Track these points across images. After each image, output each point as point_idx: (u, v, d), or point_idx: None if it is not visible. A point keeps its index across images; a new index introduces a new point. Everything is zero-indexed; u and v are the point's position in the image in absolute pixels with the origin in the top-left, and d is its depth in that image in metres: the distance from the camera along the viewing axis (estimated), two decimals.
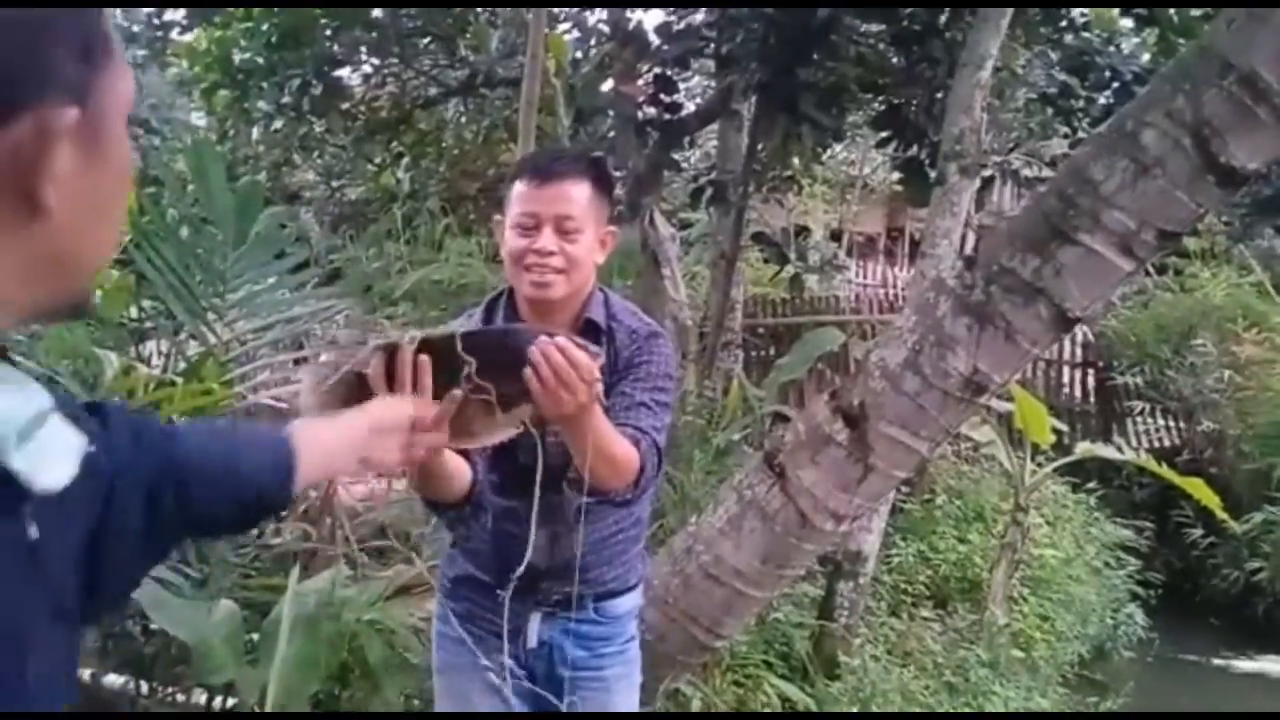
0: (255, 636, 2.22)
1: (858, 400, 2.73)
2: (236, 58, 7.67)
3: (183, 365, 3.44)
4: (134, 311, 3.77)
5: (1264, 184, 9.13)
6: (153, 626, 2.54)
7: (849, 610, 4.45)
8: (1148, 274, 10.33)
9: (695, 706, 3.47)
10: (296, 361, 3.95)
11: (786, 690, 3.83)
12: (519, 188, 1.89)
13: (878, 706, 3.88)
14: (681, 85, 6.75)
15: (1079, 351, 9.08)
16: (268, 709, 2.11)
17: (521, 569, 1.85)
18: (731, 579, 3.00)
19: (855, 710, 3.87)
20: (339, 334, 4.72)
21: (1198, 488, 5.38)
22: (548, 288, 1.85)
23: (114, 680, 2.66)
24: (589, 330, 1.87)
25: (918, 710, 4.08)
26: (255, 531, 3.03)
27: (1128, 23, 7.07)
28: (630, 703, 2.12)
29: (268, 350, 3.80)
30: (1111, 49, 7.42)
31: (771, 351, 9.18)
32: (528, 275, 1.86)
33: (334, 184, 9.65)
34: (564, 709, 1.98)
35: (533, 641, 2.00)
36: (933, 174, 5.47)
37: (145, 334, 3.58)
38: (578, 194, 1.86)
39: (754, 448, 5.55)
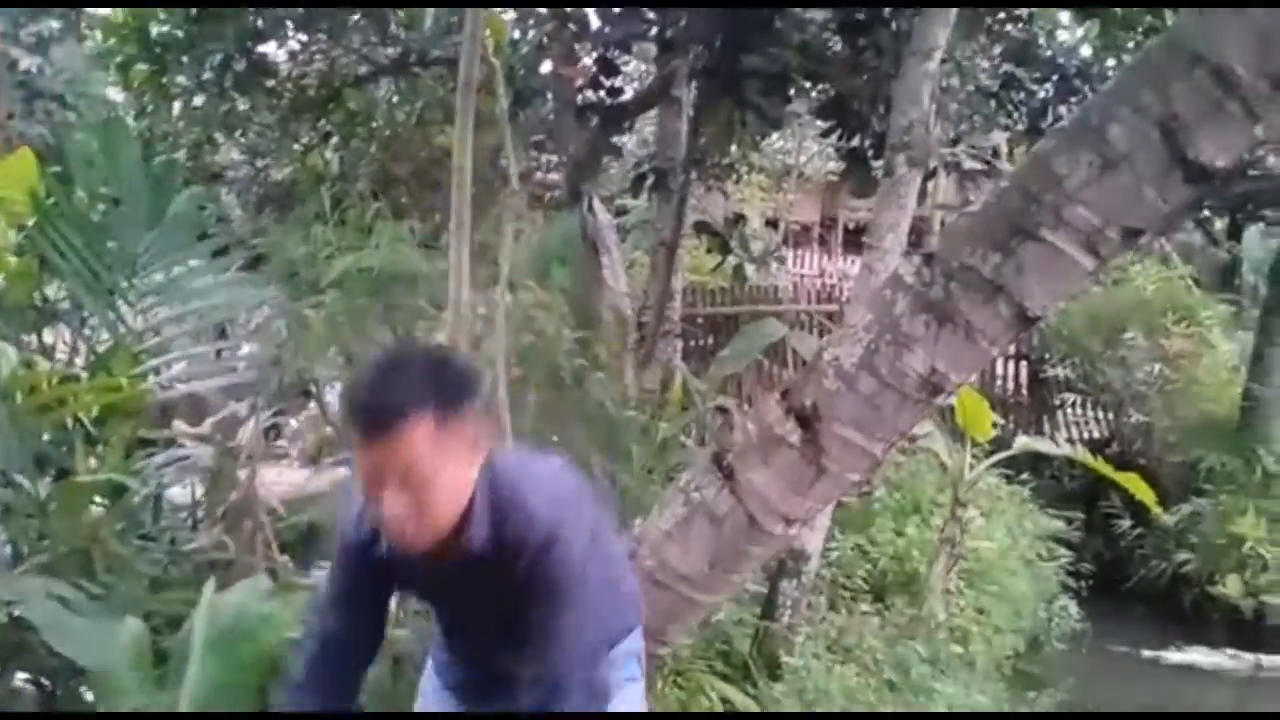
0: (165, 657, 2.04)
1: (810, 401, 2.62)
2: (155, 30, 7.32)
3: (91, 358, 3.22)
4: (37, 299, 3.52)
5: None
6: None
7: (791, 608, 4.38)
8: None
9: None
10: (218, 354, 3.74)
11: (728, 693, 3.75)
12: (352, 433, 1.61)
13: (821, 707, 3.82)
14: (621, 69, 6.58)
15: (1010, 346, 9.17)
16: None
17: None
18: (678, 584, 2.88)
19: (800, 711, 3.80)
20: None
21: (1132, 481, 5.45)
22: (410, 545, 1.64)
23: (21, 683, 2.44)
24: (469, 551, 1.68)
25: (861, 710, 4.02)
26: (168, 538, 2.84)
27: (1066, 16, 7.10)
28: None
29: (187, 340, 3.58)
30: (1054, 42, 7.46)
31: (710, 341, 9.11)
32: (386, 533, 1.64)
33: (258, 164, 9.28)
34: None
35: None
36: (877, 165, 5.42)
37: (48, 321, 3.34)
38: (416, 438, 1.55)
39: (696, 442, 5.46)
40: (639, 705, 2.05)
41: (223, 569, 2.36)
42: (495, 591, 1.73)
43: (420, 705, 2.02)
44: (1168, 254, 10.27)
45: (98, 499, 2.51)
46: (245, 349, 4.05)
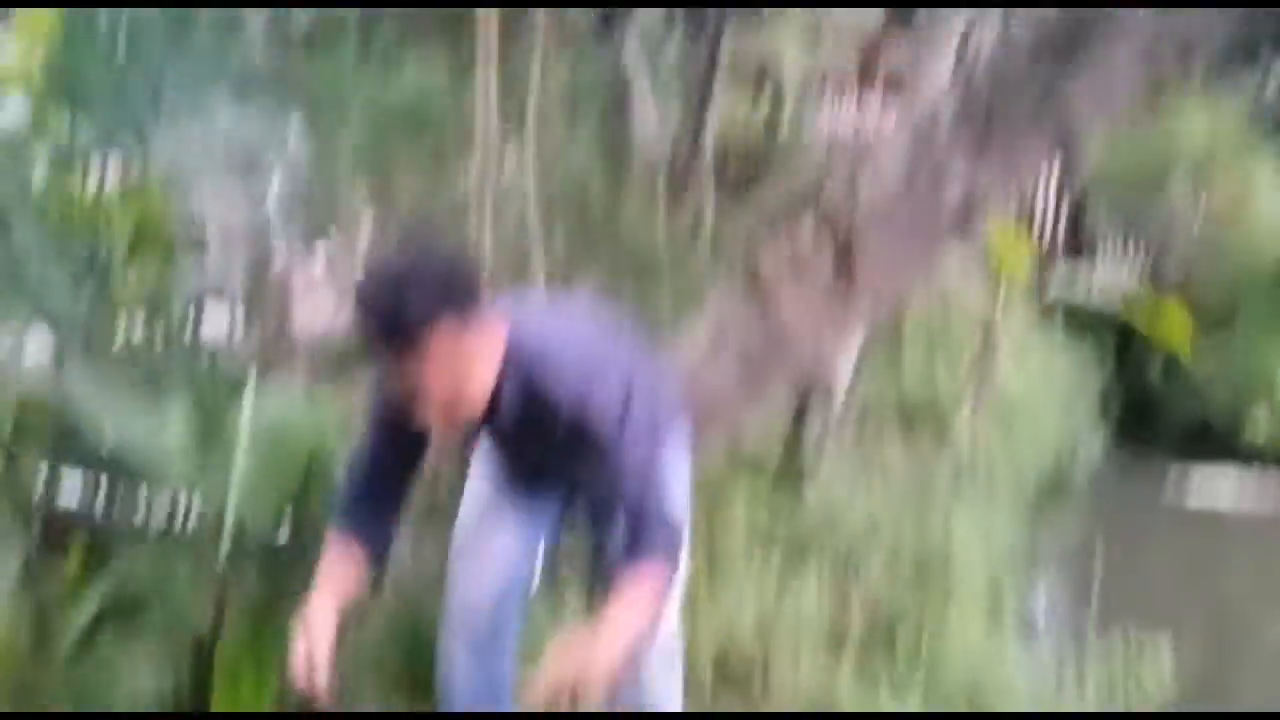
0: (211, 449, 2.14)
1: (844, 223, 2.62)
2: None
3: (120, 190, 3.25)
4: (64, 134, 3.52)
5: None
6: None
7: (819, 428, 4.50)
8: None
9: None
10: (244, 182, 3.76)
11: (755, 507, 3.88)
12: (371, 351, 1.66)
13: (842, 522, 3.95)
14: None
15: (1053, 184, 9.00)
16: (228, 521, 2.06)
17: None
18: (707, 401, 2.96)
19: (821, 526, 3.94)
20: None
21: (1163, 320, 5.42)
22: (439, 424, 1.72)
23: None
24: (504, 419, 1.75)
25: (882, 529, 4.13)
26: (208, 351, 2.95)
27: None
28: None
29: (213, 169, 3.60)
30: None
31: (743, 188, 9.01)
32: (417, 410, 1.68)
33: None
34: None
35: None
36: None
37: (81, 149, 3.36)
38: (438, 347, 1.59)
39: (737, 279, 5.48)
40: (685, 478, 2.08)
41: (260, 377, 2.44)
42: (538, 445, 1.82)
43: (471, 472, 2.11)
44: (1223, 98, 9.87)
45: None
46: (274, 182, 4.07)
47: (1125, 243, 8.74)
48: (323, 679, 1.68)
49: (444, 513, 2.23)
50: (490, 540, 2.04)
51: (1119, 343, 8.10)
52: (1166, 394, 7.92)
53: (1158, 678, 2.97)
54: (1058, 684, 3.04)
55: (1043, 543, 5.70)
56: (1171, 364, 7.71)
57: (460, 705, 2.06)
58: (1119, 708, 3.12)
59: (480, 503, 2.07)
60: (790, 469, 4.36)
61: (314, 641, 1.68)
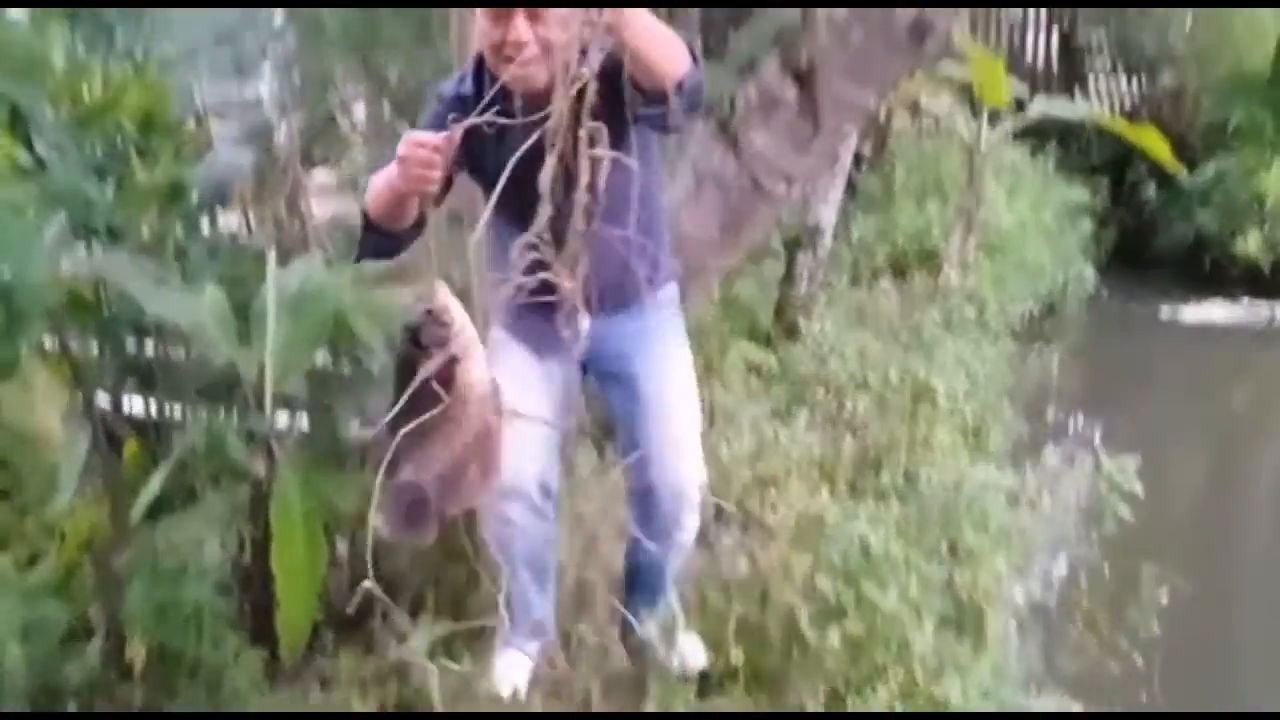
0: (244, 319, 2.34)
1: (804, 57, 2.74)
2: None
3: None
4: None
5: None
6: (144, 332, 2.68)
7: (808, 280, 4.67)
8: None
9: None
10: (235, 71, 3.85)
11: (749, 352, 4.09)
12: None
13: (834, 364, 4.15)
14: None
15: (1043, 14, 8.86)
16: (268, 384, 2.28)
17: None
18: (691, 248, 3.13)
19: (814, 370, 4.14)
20: None
21: (1149, 136, 5.47)
22: (529, 79, 1.79)
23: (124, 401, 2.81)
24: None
25: (872, 368, 4.33)
26: (226, 236, 3.13)
27: None
28: (685, 359, 2.30)
29: (205, 58, 3.69)
30: None
31: (732, 30, 8.90)
32: (507, 65, 1.78)
33: None
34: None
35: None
36: None
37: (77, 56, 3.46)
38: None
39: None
40: (684, 341, 2.29)
41: (280, 255, 2.62)
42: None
43: (495, 339, 2.14)
44: None
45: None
46: (267, 68, 4.14)
47: (1116, 66, 8.65)
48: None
49: None
50: (528, 406, 2.16)
51: (1113, 173, 8.14)
52: (1160, 219, 7.97)
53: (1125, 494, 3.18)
54: (1024, 502, 3.26)
55: (1033, 370, 5.93)
56: (1167, 189, 7.75)
57: (520, 560, 2.23)
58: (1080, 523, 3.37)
59: (511, 371, 2.09)
60: (783, 314, 4.55)
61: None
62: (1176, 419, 5.74)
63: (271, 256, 2.34)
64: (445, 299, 1.48)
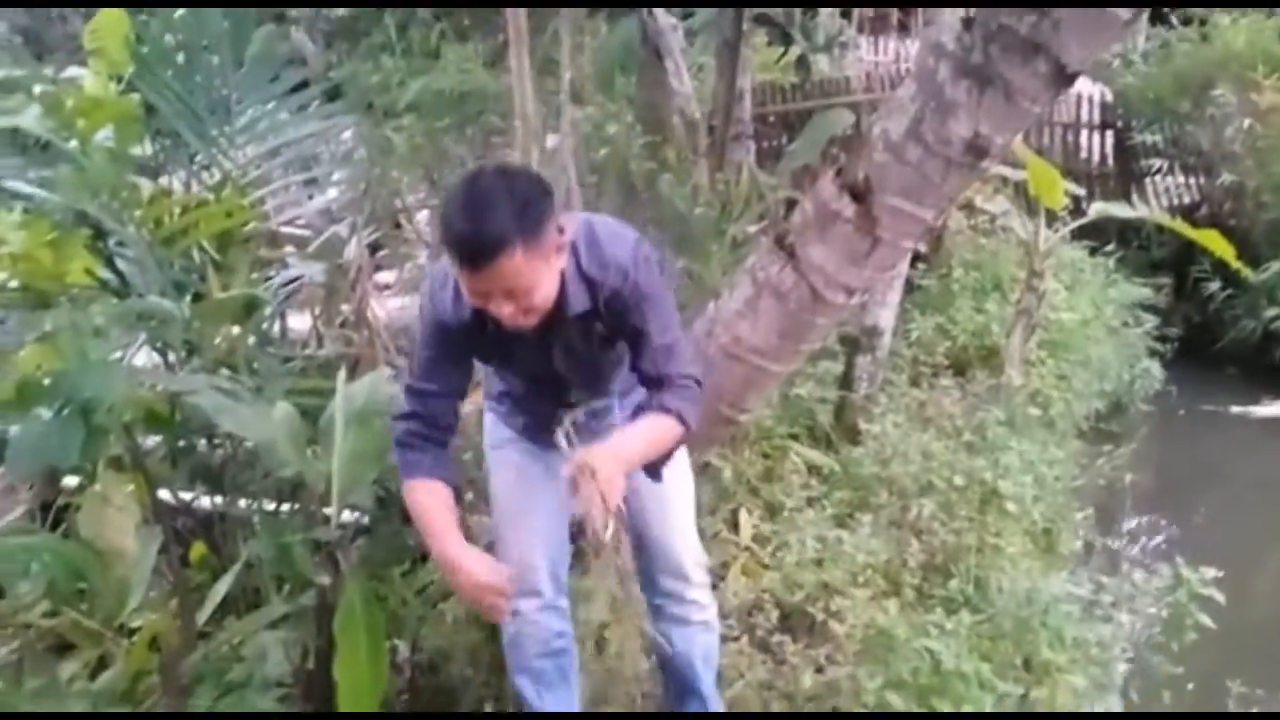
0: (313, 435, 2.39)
1: (862, 174, 2.77)
2: None
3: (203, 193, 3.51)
4: (147, 146, 3.79)
5: None
6: (215, 439, 2.75)
7: (868, 382, 4.64)
8: (1171, 26, 9.97)
9: (726, 476, 3.70)
10: (306, 183, 4.01)
11: (811, 456, 4.05)
12: (454, 265, 1.85)
13: (897, 466, 4.09)
14: None
15: (1096, 113, 8.89)
16: (334, 497, 2.31)
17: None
18: (751, 356, 3.15)
19: (876, 472, 4.09)
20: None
21: (1211, 239, 5.41)
22: (521, 327, 1.94)
23: (189, 496, 2.88)
24: (569, 312, 1.99)
25: (936, 471, 4.26)
26: (299, 348, 3.21)
27: None
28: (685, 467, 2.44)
29: (279, 173, 3.85)
30: None
31: (784, 140, 9.06)
32: (499, 320, 1.91)
33: None
34: None
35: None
36: None
37: (160, 168, 3.63)
38: (515, 263, 1.79)
39: (770, 236, 5.61)
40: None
41: (349, 367, 2.69)
42: (591, 330, 2.05)
43: (496, 447, 2.38)
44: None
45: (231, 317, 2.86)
46: (336, 177, 4.32)
47: (1174, 167, 8.62)
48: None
49: None
50: (534, 501, 2.29)
51: (1175, 270, 8.04)
52: (1226, 316, 7.82)
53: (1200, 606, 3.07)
54: (1100, 613, 3.16)
55: (1103, 470, 5.78)
56: (1232, 282, 7.62)
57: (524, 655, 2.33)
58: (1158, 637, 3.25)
59: (515, 471, 2.32)
60: (843, 416, 4.52)
61: (479, 561, 1.98)
62: (1253, 519, 5.53)
63: (341, 374, 2.40)
64: None
